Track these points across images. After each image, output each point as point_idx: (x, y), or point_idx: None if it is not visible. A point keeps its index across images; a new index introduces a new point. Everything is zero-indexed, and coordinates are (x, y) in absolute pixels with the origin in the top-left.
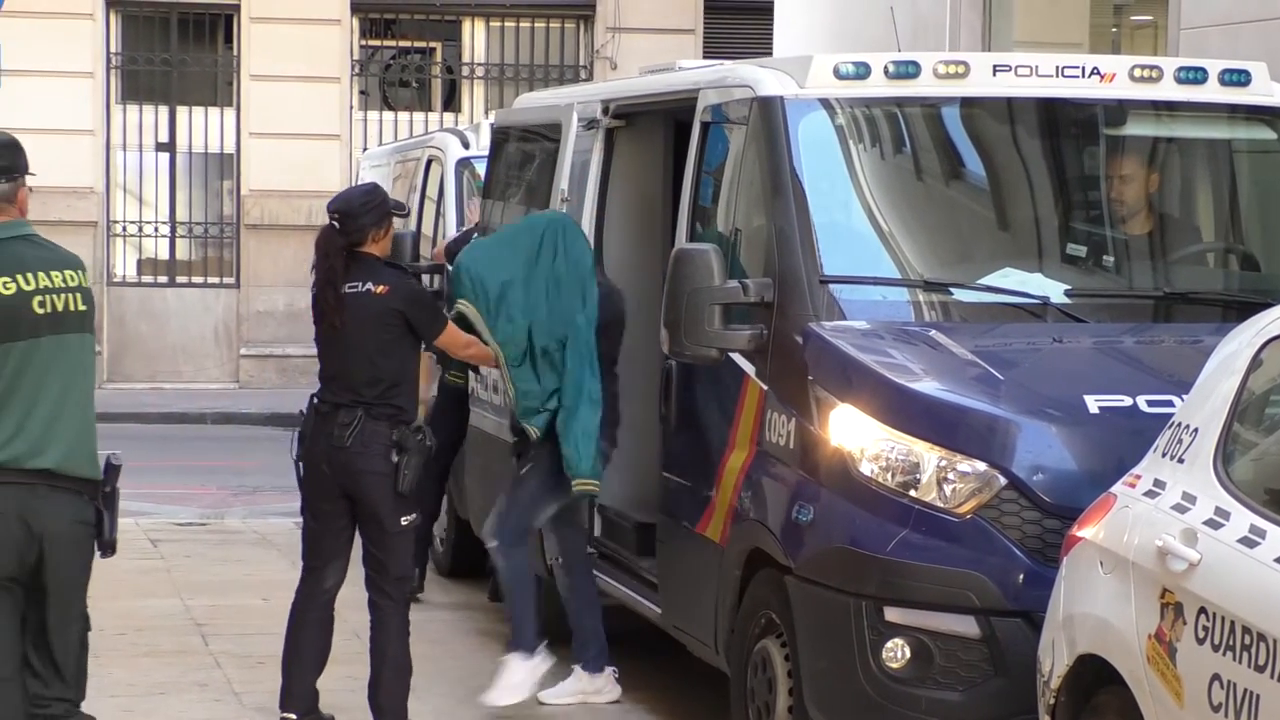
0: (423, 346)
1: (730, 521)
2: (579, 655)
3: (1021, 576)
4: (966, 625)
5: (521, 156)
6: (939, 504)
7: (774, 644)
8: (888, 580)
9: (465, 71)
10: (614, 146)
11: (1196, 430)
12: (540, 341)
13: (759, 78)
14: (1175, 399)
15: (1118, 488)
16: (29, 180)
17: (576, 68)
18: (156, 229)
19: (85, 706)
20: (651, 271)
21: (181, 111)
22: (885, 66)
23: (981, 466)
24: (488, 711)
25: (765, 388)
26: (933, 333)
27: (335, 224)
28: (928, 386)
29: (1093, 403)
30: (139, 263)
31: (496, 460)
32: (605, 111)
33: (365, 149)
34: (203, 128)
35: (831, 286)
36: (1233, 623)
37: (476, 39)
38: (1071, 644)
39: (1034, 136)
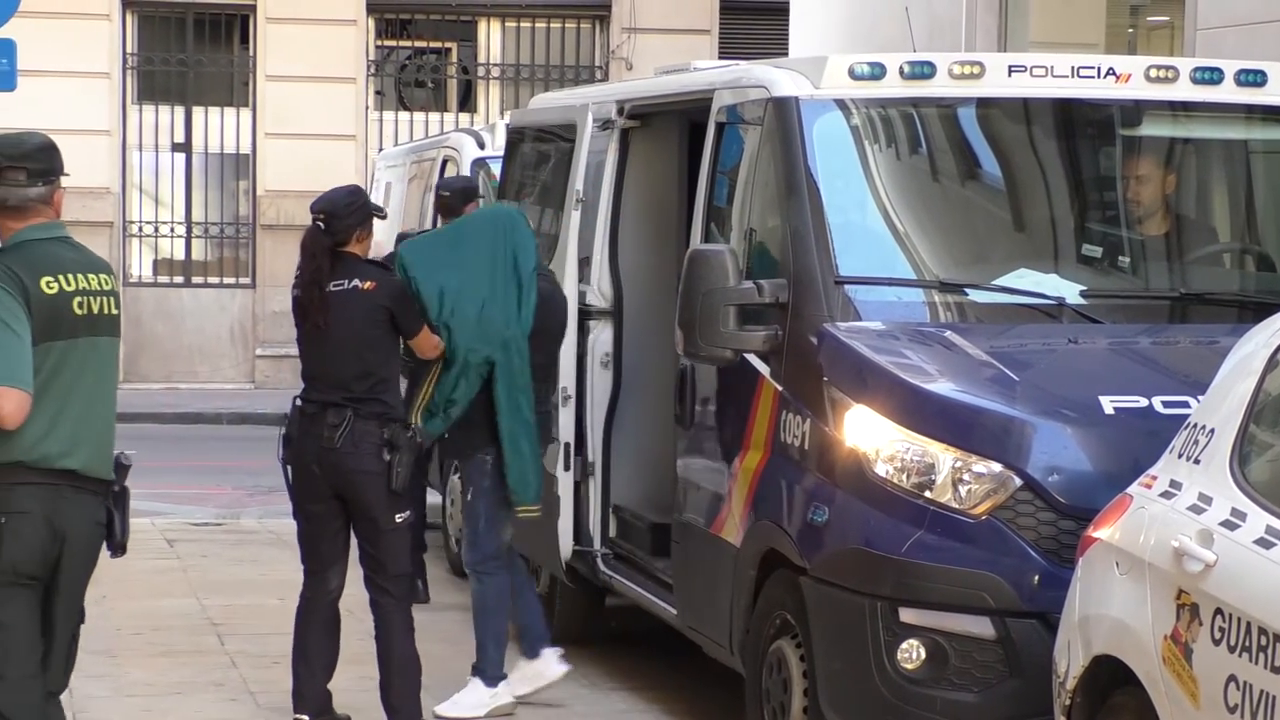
0: None
1: (745, 522)
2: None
3: (1037, 577)
4: (982, 626)
5: (537, 157)
6: (954, 505)
7: (789, 645)
8: (903, 581)
9: (481, 72)
10: (629, 147)
11: (1213, 431)
12: (462, 351)
13: (774, 78)
14: (1191, 400)
15: (1134, 489)
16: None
17: (592, 68)
18: (172, 229)
19: (102, 706)
20: (667, 272)
21: (197, 112)
22: (900, 67)
23: (997, 467)
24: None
25: (780, 389)
26: (948, 333)
27: (320, 224)
28: (943, 387)
29: (1108, 403)
30: (155, 263)
31: None
32: (620, 112)
33: (381, 149)
34: (218, 128)
35: (846, 287)
36: (1249, 624)
37: (492, 39)
38: (1087, 645)
39: (1049, 137)
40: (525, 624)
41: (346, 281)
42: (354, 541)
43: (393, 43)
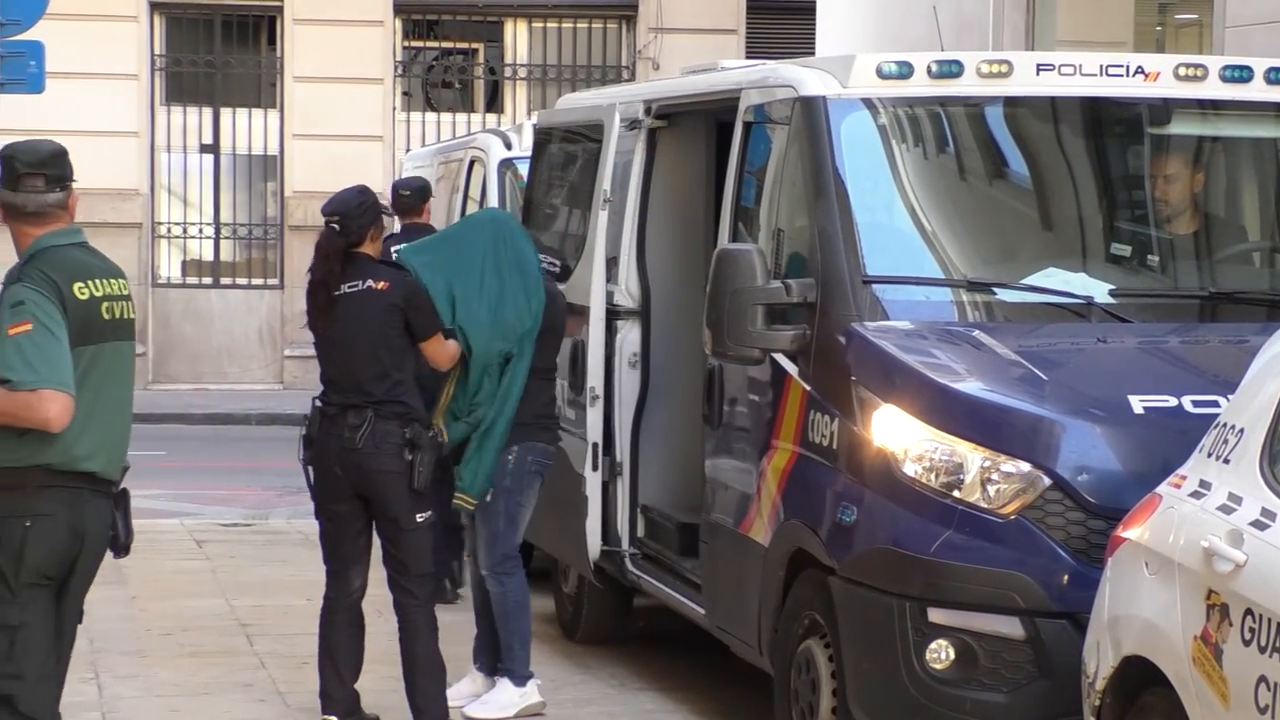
0: None
1: (773, 522)
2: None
3: (1066, 577)
4: (1011, 626)
5: (564, 157)
6: (983, 505)
7: (818, 645)
8: (931, 581)
9: (508, 72)
10: (656, 147)
11: (1242, 430)
12: (481, 351)
13: (801, 78)
14: (1221, 399)
15: (1163, 488)
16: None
17: (619, 68)
18: (201, 230)
19: (131, 706)
20: (694, 272)
21: (225, 113)
22: (928, 66)
23: (1026, 467)
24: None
25: (808, 388)
26: (976, 333)
27: (335, 227)
28: (971, 387)
29: (1137, 403)
30: (183, 264)
31: (563, 475)
32: (647, 112)
33: (408, 150)
34: (246, 129)
35: (874, 286)
36: (1279, 624)
37: (519, 40)
38: (1117, 645)
39: (1078, 136)
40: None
41: (360, 282)
42: (377, 542)
43: (420, 43)
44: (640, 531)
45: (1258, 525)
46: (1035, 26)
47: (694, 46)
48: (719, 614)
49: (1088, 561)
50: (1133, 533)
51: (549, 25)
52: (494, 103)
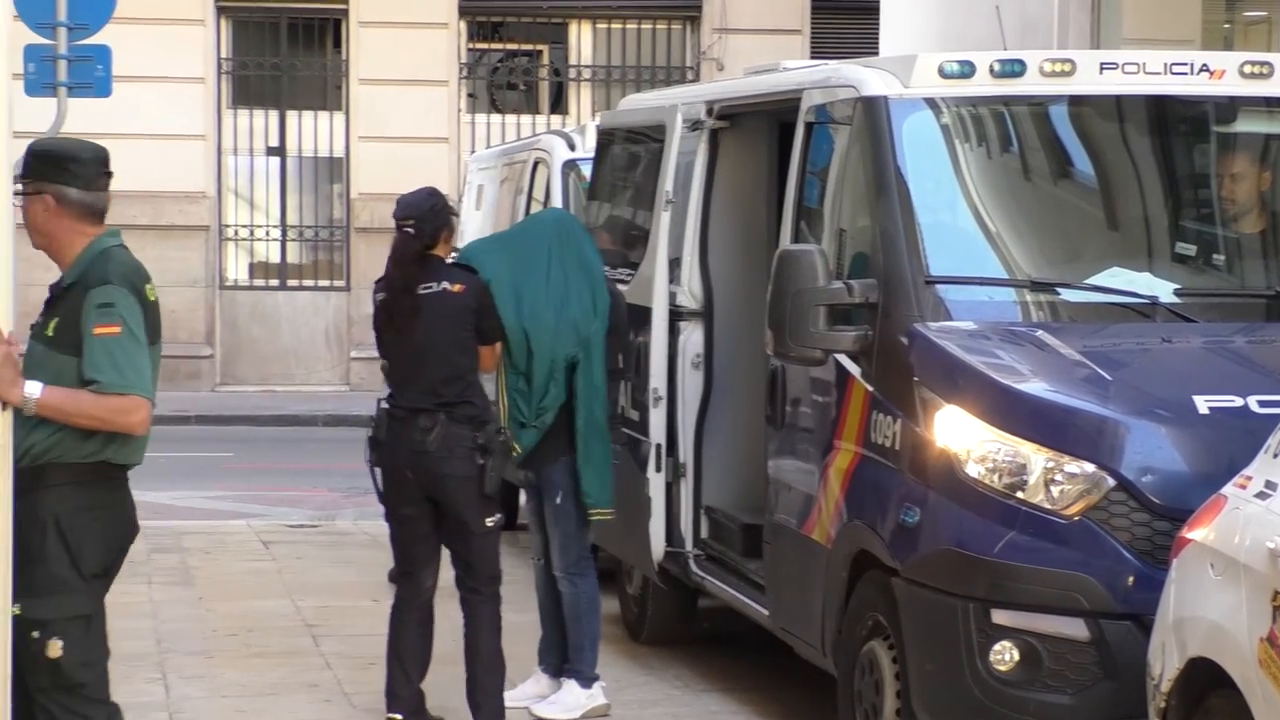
0: None
1: (836, 523)
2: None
3: (1131, 579)
4: (1075, 628)
5: (626, 158)
6: (1046, 505)
7: (881, 646)
8: (995, 582)
9: (572, 74)
10: (718, 147)
11: None
12: (545, 354)
13: (863, 78)
14: None
15: (1228, 489)
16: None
17: (683, 69)
18: (267, 233)
19: (197, 707)
20: (757, 272)
21: (291, 116)
22: (990, 65)
23: (1090, 468)
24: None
25: (870, 389)
26: (1039, 333)
27: (410, 230)
28: (1035, 387)
29: (1202, 403)
30: (250, 266)
31: (627, 477)
32: (709, 113)
33: (473, 152)
34: (312, 132)
35: (937, 287)
36: None
37: (583, 41)
38: (1182, 647)
39: (1142, 134)
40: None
41: (435, 284)
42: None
43: (484, 45)
44: (704, 532)
45: None
46: (1101, 25)
47: (758, 47)
48: (782, 615)
49: (1153, 563)
50: (1198, 534)
51: (613, 26)
52: (558, 104)
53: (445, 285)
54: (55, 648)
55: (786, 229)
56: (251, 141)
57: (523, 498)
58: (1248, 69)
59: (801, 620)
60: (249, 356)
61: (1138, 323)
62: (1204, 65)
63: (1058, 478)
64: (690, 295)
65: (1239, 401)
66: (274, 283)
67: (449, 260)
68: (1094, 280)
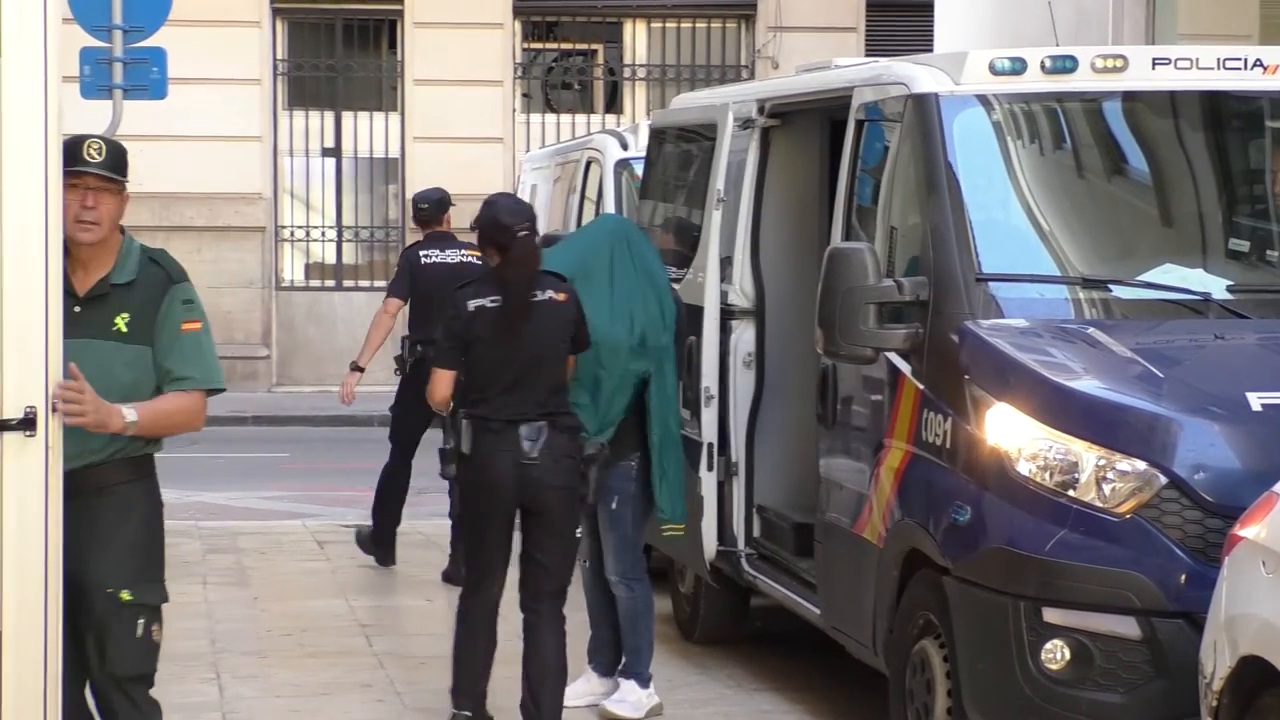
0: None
1: (887, 522)
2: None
3: (1183, 577)
4: (1127, 626)
5: (678, 157)
6: (1098, 504)
7: (932, 645)
8: (1046, 581)
9: (627, 73)
10: (770, 146)
11: None
12: (616, 369)
13: (913, 75)
14: None
15: None
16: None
17: (738, 68)
18: (323, 233)
19: (251, 706)
20: (809, 271)
21: (347, 117)
22: (1042, 61)
23: (1141, 465)
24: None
25: (921, 387)
26: (1091, 330)
27: (528, 233)
28: (1086, 385)
29: (1256, 400)
30: (306, 267)
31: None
32: (761, 111)
33: (527, 152)
34: (368, 132)
35: (988, 284)
36: None
37: (638, 40)
38: (1234, 645)
39: (1195, 130)
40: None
41: (543, 292)
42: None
43: (539, 45)
44: (756, 531)
45: None
46: (1156, 21)
47: (813, 45)
48: (834, 614)
49: (1205, 560)
50: (1250, 531)
51: (668, 25)
52: (613, 103)
53: (551, 294)
54: (159, 633)
55: (837, 227)
56: (307, 143)
57: None
58: None
59: (853, 619)
60: (305, 357)
61: (1190, 319)
62: (1258, 60)
63: (1109, 475)
64: (742, 294)
65: None
66: (330, 283)
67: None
68: (1146, 277)
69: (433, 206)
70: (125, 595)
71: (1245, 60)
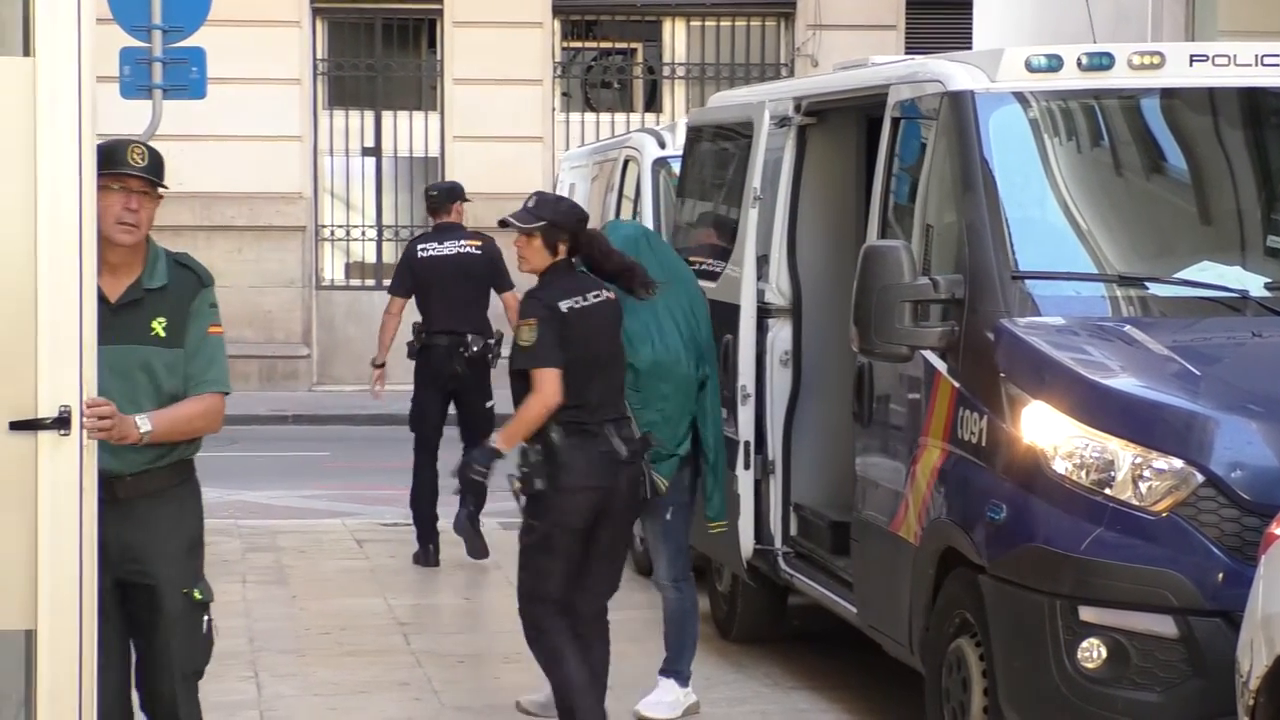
0: None
1: (923, 520)
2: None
3: (1220, 575)
4: (1164, 625)
5: (715, 155)
6: (1134, 502)
7: (968, 644)
8: (1082, 579)
9: (666, 72)
10: (806, 144)
11: None
12: (682, 381)
13: (949, 72)
14: None
15: None
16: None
17: (777, 66)
18: (363, 233)
19: (289, 705)
20: (845, 269)
21: (386, 116)
22: (1078, 58)
23: (1178, 464)
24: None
25: (957, 385)
26: (1128, 328)
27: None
28: (1122, 383)
29: None
30: (346, 266)
31: None
32: (797, 109)
33: (567, 150)
34: (407, 132)
35: (1024, 282)
36: None
37: (677, 39)
38: (1271, 644)
39: (1233, 127)
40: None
41: (602, 293)
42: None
43: (578, 44)
44: (793, 530)
45: None
46: (1195, 18)
47: (853, 43)
48: (870, 613)
49: (1241, 559)
50: None
51: (707, 24)
52: (653, 102)
53: (606, 294)
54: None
55: (873, 225)
56: (347, 142)
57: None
58: None
59: (889, 618)
60: (345, 356)
61: (1228, 317)
62: None
63: (1146, 474)
64: (778, 292)
65: None
66: (370, 282)
67: None
68: (1183, 274)
69: (440, 195)
70: (196, 594)
71: None
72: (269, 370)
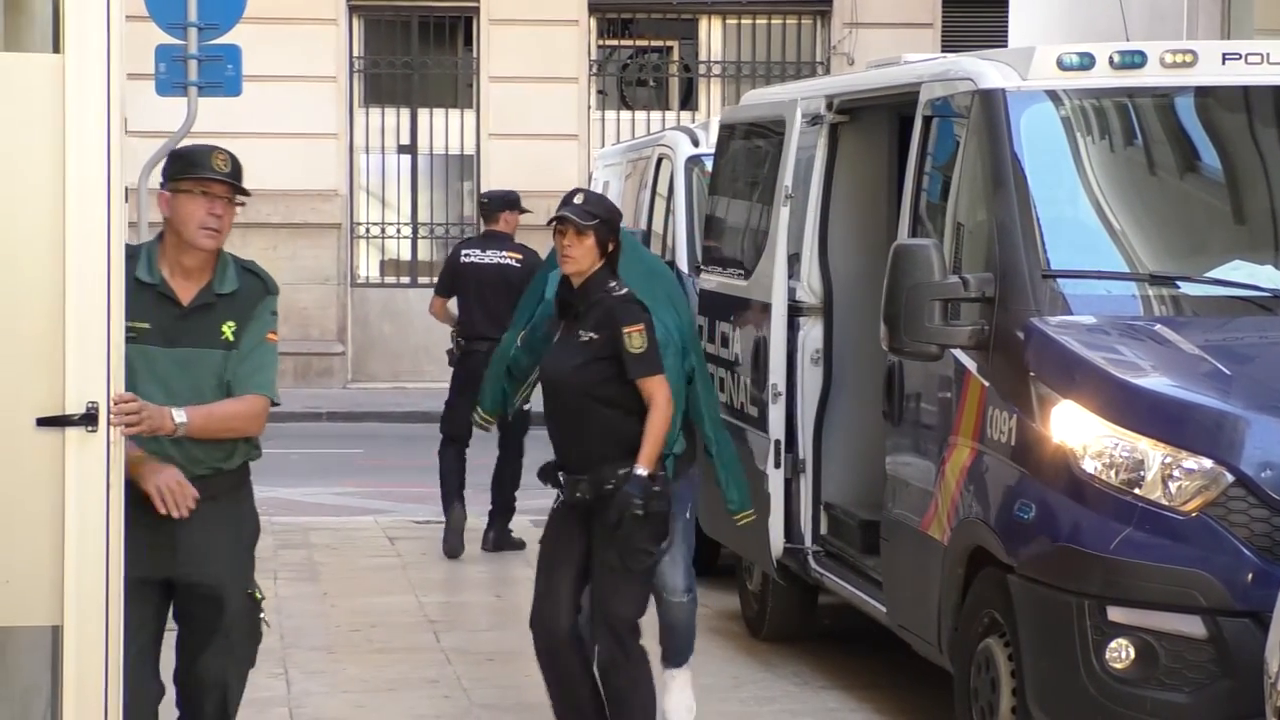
0: None
1: (952, 519)
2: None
3: (1249, 575)
4: (1192, 625)
5: (747, 153)
6: (1164, 502)
7: (997, 643)
8: (1111, 579)
9: (702, 70)
10: (838, 142)
11: None
12: (673, 377)
13: (981, 70)
14: None
15: None
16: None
17: (813, 64)
18: (399, 230)
19: (317, 702)
20: (877, 268)
21: (422, 114)
22: (1110, 56)
23: (1208, 463)
24: (717, 710)
25: (986, 384)
26: (1158, 327)
27: None
28: (1153, 382)
29: None
30: (381, 264)
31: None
32: (829, 107)
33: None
34: (443, 129)
35: (1055, 281)
36: None
37: (713, 37)
38: None
39: (1265, 125)
40: None
41: None
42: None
43: (614, 42)
44: (823, 529)
45: None
46: (1231, 16)
47: (889, 41)
48: (899, 612)
49: (1271, 559)
50: None
51: (743, 22)
52: (688, 100)
53: None
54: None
55: (904, 223)
56: (383, 140)
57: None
58: None
59: (918, 617)
60: (380, 353)
61: (1260, 316)
62: None
63: (1175, 473)
64: (810, 290)
65: None
66: (405, 280)
67: None
68: (1215, 273)
69: (491, 203)
70: (256, 594)
71: None
72: (304, 367)
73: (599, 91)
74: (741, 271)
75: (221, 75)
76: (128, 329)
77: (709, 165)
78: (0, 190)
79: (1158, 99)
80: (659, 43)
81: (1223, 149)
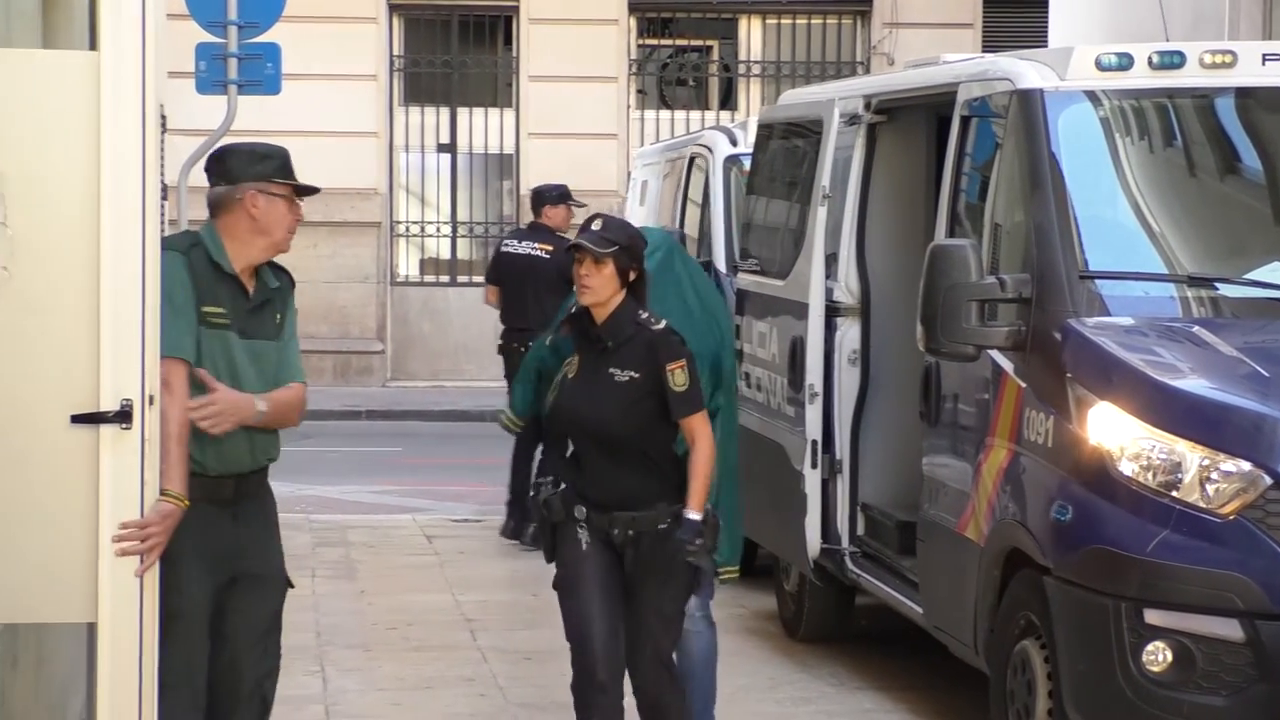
0: None
1: (989, 521)
2: None
3: None
4: (1230, 628)
5: (785, 153)
6: (1201, 504)
7: (1033, 645)
8: (1148, 582)
9: (742, 69)
10: (876, 142)
11: None
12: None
13: (1019, 70)
14: None
15: None
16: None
17: (853, 64)
18: (438, 229)
19: (353, 700)
20: (914, 268)
21: (462, 113)
22: (1149, 57)
23: (1246, 466)
24: (754, 710)
25: (1023, 385)
26: (1196, 329)
27: None
28: (1190, 384)
29: None
30: (421, 262)
31: (783, 473)
32: (867, 107)
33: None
34: (483, 128)
35: (1092, 282)
36: None
37: (753, 36)
38: None
39: None
40: None
41: None
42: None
43: (654, 41)
44: (860, 529)
45: None
46: (1273, 18)
47: (929, 41)
48: (936, 613)
49: None
50: None
51: (783, 22)
52: (728, 100)
53: None
54: None
55: (941, 223)
56: (423, 138)
57: None
58: None
59: (954, 618)
60: (420, 352)
61: None
62: None
63: (1213, 476)
64: (847, 290)
65: None
66: (444, 278)
67: None
68: (1254, 275)
69: (534, 197)
70: (291, 584)
71: None
72: (343, 366)
73: (638, 91)
74: (779, 271)
75: (261, 73)
76: (210, 314)
77: (747, 165)
78: (36, 187)
79: (1197, 100)
80: (699, 42)
81: (1262, 150)
